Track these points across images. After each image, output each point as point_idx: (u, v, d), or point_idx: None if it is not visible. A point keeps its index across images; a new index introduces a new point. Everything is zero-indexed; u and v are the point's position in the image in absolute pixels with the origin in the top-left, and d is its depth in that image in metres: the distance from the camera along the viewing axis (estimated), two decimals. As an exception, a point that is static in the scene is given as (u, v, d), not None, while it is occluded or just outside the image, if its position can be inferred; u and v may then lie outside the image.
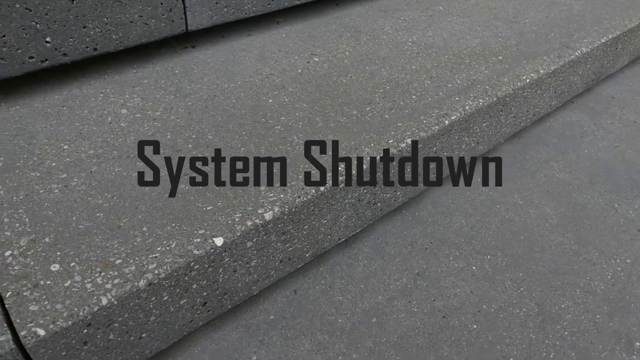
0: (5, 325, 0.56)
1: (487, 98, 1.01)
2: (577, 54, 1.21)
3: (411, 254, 0.98)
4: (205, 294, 0.72)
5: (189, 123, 0.88)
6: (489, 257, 0.99)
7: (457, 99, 1.00)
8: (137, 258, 0.64)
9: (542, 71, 1.12)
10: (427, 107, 0.97)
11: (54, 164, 0.78)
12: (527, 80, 1.09)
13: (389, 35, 1.23)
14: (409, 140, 0.88)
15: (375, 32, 1.24)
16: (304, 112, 0.93)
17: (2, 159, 0.78)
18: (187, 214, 0.71)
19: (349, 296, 0.90)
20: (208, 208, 0.72)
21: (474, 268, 0.97)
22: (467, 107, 0.98)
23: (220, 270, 0.71)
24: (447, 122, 0.94)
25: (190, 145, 0.83)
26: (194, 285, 0.69)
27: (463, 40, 1.22)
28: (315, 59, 1.10)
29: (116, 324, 0.63)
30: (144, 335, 0.68)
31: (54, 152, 0.81)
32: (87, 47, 0.94)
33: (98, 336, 0.62)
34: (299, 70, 1.06)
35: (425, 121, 0.93)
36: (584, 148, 1.28)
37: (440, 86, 1.04)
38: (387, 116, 0.94)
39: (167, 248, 0.66)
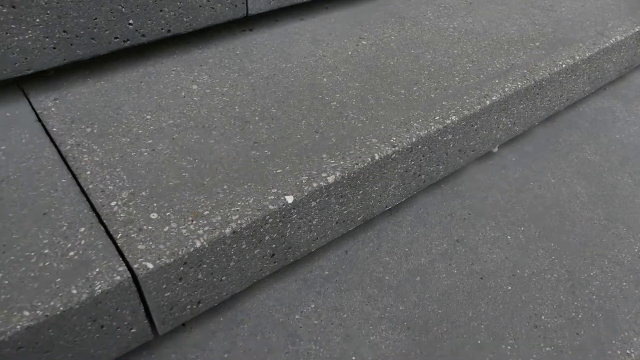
0: (121, 259, 0.67)
1: (525, 81, 1.09)
2: (611, 41, 1.27)
3: (450, 223, 1.07)
4: (274, 246, 0.82)
5: (253, 98, 0.99)
6: (522, 228, 1.08)
7: (496, 81, 1.08)
8: (221, 210, 0.75)
9: (577, 57, 1.19)
10: (469, 88, 1.05)
11: (140, 131, 0.89)
12: (563, 66, 1.16)
13: (431, 21, 1.31)
14: (454, 117, 0.97)
15: (418, 18, 1.32)
16: (356, 90, 1.02)
17: (96, 126, 0.90)
18: (261, 175, 0.81)
19: (394, 257, 1.00)
20: (278, 171, 0.83)
21: (508, 237, 1.05)
22: (506, 89, 1.06)
23: (288, 225, 0.82)
24: (488, 102, 1.03)
25: (257, 118, 0.93)
26: (267, 237, 0.80)
27: (502, 27, 1.30)
28: (363, 42, 1.19)
29: (204, 265, 0.74)
30: (223, 278, 0.79)
31: (139, 121, 0.92)
32: (162, 29, 1.04)
33: (190, 274, 0.73)
34: (349, 53, 1.15)
35: (468, 100, 1.02)
36: (615, 132, 1.35)
37: (481, 69, 1.12)
38: (432, 95, 1.02)
39: (246, 203, 0.76)
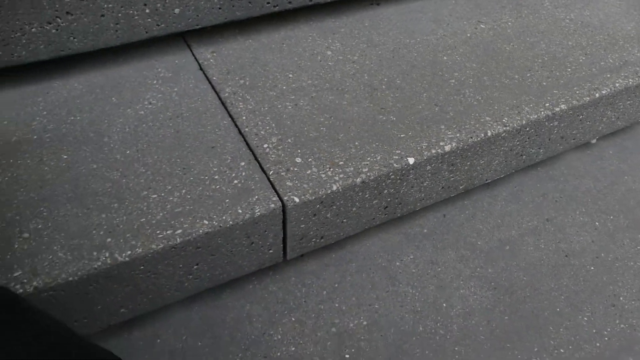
0: (274, 192, 0.83)
1: (636, 78, 1.15)
2: None
3: (543, 203, 1.17)
4: (389, 199, 0.96)
5: (380, 68, 1.11)
6: (612, 217, 1.15)
7: (608, 76, 1.14)
8: (354, 162, 0.89)
9: (694, 60, 1.22)
10: (580, 80, 1.12)
11: (284, 87, 1.04)
12: (678, 67, 1.20)
13: (549, 11, 1.37)
14: (562, 106, 1.05)
15: (536, 7, 1.38)
16: (473, 71, 1.12)
17: (247, 79, 1.06)
18: (387, 137, 0.94)
19: (487, 226, 1.11)
20: (401, 135, 0.95)
21: (597, 224, 1.13)
22: (617, 85, 1.12)
23: (404, 184, 0.95)
24: (597, 95, 1.09)
25: (384, 86, 1.06)
26: (385, 191, 0.93)
27: (618, 22, 1.33)
28: (481, 25, 1.28)
29: (334, 207, 0.89)
30: (345, 220, 0.94)
31: (283, 78, 1.06)
32: (305, -2, 1.18)
33: (322, 212, 0.88)
34: (468, 35, 1.24)
35: (578, 92, 1.09)
36: None
37: (594, 63, 1.18)
38: (544, 83, 1.10)
39: (375, 159, 0.90)
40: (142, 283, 0.78)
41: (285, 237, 0.88)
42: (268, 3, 1.12)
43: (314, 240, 0.93)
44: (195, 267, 0.82)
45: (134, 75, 1.04)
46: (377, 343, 0.90)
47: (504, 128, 0.99)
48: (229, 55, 1.10)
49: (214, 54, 1.10)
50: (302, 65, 1.09)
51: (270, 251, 0.89)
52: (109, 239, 0.74)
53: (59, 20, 0.93)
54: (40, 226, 0.76)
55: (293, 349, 0.89)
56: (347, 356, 0.89)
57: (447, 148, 0.93)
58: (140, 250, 0.73)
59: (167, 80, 1.03)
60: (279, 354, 0.88)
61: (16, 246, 0.73)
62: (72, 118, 0.94)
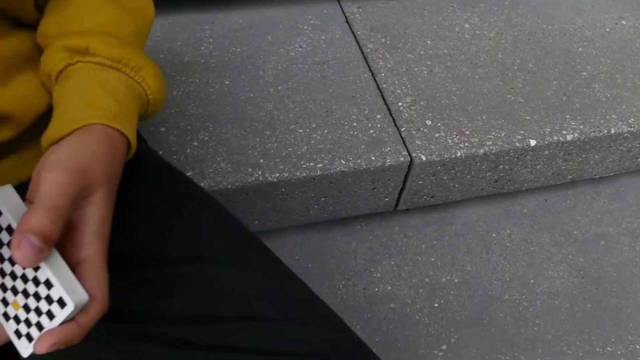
0: (404, 147, 0.92)
1: None
2: None
3: (646, 208, 1.19)
4: (501, 174, 1.03)
5: (514, 49, 1.15)
6: None
7: None
8: (479, 134, 0.96)
9: None
10: None
11: (422, 52, 1.11)
12: None
13: (697, 17, 1.33)
14: (693, 117, 1.06)
15: (684, 11, 1.35)
16: (606, 67, 1.14)
17: (389, 38, 1.13)
18: (513, 116, 1.00)
19: (586, 219, 1.15)
20: (527, 117, 1.01)
21: (698, 238, 1.15)
22: None
23: (520, 163, 1.01)
24: None
25: (515, 67, 1.10)
26: (501, 166, 1.00)
27: None
28: (622, 22, 1.27)
29: (452, 171, 0.97)
30: (457, 185, 1.02)
31: (421, 43, 1.13)
32: (453, -32, 1.22)
33: (441, 174, 0.97)
34: (607, 29, 1.24)
35: None
36: None
37: None
38: (678, 92, 1.11)
39: (499, 135, 0.96)
40: (279, 203, 0.90)
41: (403, 190, 0.98)
42: (419, -31, 1.18)
43: (425, 197, 1.02)
44: (323, 199, 0.93)
45: (288, 18, 1.14)
46: (464, 300, 1.00)
47: (629, 129, 1.02)
48: (373, 12, 1.18)
49: (360, 10, 1.18)
50: (440, 34, 1.15)
51: (386, 199, 0.99)
52: (261, 160, 0.87)
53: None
54: (206, 138, 0.89)
55: (389, 287, 1.00)
56: (436, 305, 0.99)
57: (569, 137, 0.98)
58: (287, 174, 0.85)
59: (316, 27, 1.12)
60: (376, 289, 1.00)
61: (188, 151, 0.87)
62: (233, 49, 1.06)
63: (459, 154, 0.92)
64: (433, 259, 1.05)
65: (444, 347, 0.94)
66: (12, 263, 0.35)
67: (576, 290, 1.04)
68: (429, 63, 1.08)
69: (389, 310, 0.97)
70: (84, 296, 0.35)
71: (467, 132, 0.96)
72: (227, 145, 0.88)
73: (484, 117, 0.99)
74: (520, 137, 0.97)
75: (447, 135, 0.95)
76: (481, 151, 0.93)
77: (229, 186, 0.83)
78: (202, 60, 1.02)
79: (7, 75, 0.51)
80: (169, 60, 1.01)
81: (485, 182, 1.03)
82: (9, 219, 0.35)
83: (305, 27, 1.13)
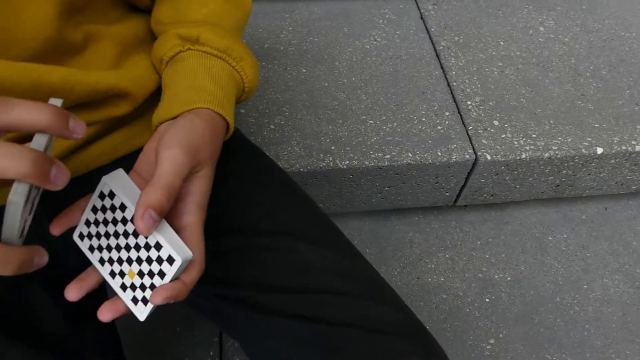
0: (470, 145, 0.95)
1: None
2: None
3: None
4: (563, 179, 1.04)
5: (588, 55, 1.15)
6: None
7: None
8: (545, 138, 0.98)
9: None
10: None
11: (494, 53, 1.13)
12: None
13: None
14: None
15: None
16: (684, 80, 1.12)
17: (462, 37, 1.15)
18: (581, 123, 1.01)
19: (647, 231, 1.15)
20: (595, 125, 1.01)
21: None
22: None
23: (584, 170, 1.02)
24: None
25: (588, 74, 1.10)
26: (564, 171, 1.01)
27: None
28: None
29: (515, 172, 0.99)
30: (517, 186, 1.04)
31: (494, 44, 1.15)
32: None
33: (503, 174, 0.99)
34: (688, 41, 1.22)
35: None
36: None
37: None
38: None
39: (565, 140, 0.98)
40: (344, 189, 0.96)
41: (464, 186, 1.01)
42: (498, -31, 1.19)
43: (485, 195, 1.05)
44: (386, 188, 0.98)
45: (364, 11, 1.18)
46: (515, 298, 1.02)
47: (702, 144, 1.01)
48: (448, 10, 1.20)
49: (435, 7, 1.20)
50: (513, 35, 1.16)
51: (447, 194, 1.03)
52: (332, 147, 0.92)
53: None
54: (282, 122, 0.95)
55: (442, 279, 1.04)
56: (487, 300, 1.02)
57: (638, 148, 0.98)
58: (356, 163, 0.90)
59: (392, 22, 1.16)
60: (429, 279, 1.04)
61: (265, 133, 0.93)
62: (311, 38, 1.11)
63: (523, 156, 0.95)
64: (487, 256, 1.08)
65: (492, 341, 0.97)
66: (126, 236, 0.41)
67: (630, 300, 1.04)
68: (500, 64, 1.10)
69: (440, 300, 1.01)
70: (188, 252, 0.40)
71: (534, 135, 0.98)
72: (301, 130, 0.94)
73: (551, 121, 1.00)
74: (587, 144, 0.98)
75: (513, 136, 0.97)
76: (546, 155, 0.95)
77: (301, 169, 0.89)
78: (281, 48, 1.08)
79: (123, 56, 0.58)
80: (250, 45, 1.08)
81: (546, 186, 1.05)
82: (122, 199, 0.40)
83: (381, 22, 1.16)
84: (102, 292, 0.64)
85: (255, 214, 0.59)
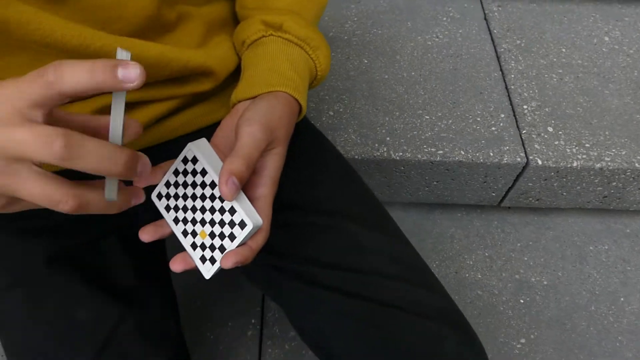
0: (522, 148, 0.97)
1: None
2: None
3: None
4: (612, 191, 1.04)
5: (652, 70, 1.14)
6: None
7: None
8: (599, 148, 0.98)
9: None
10: None
11: (554, 60, 1.13)
12: None
13: None
14: None
15: None
16: None
17: (523, 41, 1.16)
18: (637, 138, 1.01)
19: (692, 251, 1.14)
20: (652, 141, 1.01)
21: None
22: None
23: (634, 183, 1.02)
24: None
25: (649, 88, 1.10)
26: (614, 183, 1.02)
27: None
28: None
29: (564, 179, 1.00)
30: (564, 193, 1.05)
31: (555, 50, 1.15)
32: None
33: (552, 180, 1.00)
34: None
35: None
36: None
37: None
38: None
39: (619, 153, 0.98)
40: (394, 179, 0.99)
41: (511, 188, 1.03)
42: (568, -25, 1.19)
43: (530, 199, 1.06)
44: (435, 182, 1.01)
45: (428, 8, 1.20)
46: (550, 302, 1.04)
47: None
48: (512, 13, 1.21)
49: (500, 8, 1.21)
50: (576, 44, 1.16)
51: (493, 194, 1.05)
52: (388, 138, 0.95)
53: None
54: (341, 110, 0.99)
55: (479, 276, 1.07)
56: (521, 301, 1.04)
57: (693, 168, 0.98)
58: (409, 155, 0.94)
59: (455, 20, 1.18)
60: (466, 275, 1.07)
61: (324, 119, 0.97)
62: (375, 30, 1.14)
63: (574, 164, 0.96)
64: (526, 258, 1.10)
65: (523, 340, 1.00)
66: (203, 199, 0.45)
67: (667, 318, 1.05)
68: (560, 71, 1.11)
69: (475, 296, 1.04)
70: (259, 220, 0.44)
71: (587, 145, 0.99)
72: (359, 119, 0.98)
73: (607, 132, 1.01)
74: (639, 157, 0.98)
75: (566, 144, 0.98)
76: (598, 165, 0.96)
77: (356, 156, 0.93)
78: (345, 37, 1.12)
79: (208, 36, 0.62)
80: (315, 32, 1.12)
81: (594, 196, 1.06)
82: (204, 164, 0.44)
83: (445, 19, 1.18)
84: (164, 254, 0.70)
85: (315, 193, 0.63)
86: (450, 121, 0.99)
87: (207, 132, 0.62)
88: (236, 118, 0.49)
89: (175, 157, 0.47)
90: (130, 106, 0.56)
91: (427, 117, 0.99)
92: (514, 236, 1.12)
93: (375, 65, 1.06)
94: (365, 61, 1.07)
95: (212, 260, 0.44)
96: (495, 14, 1.20)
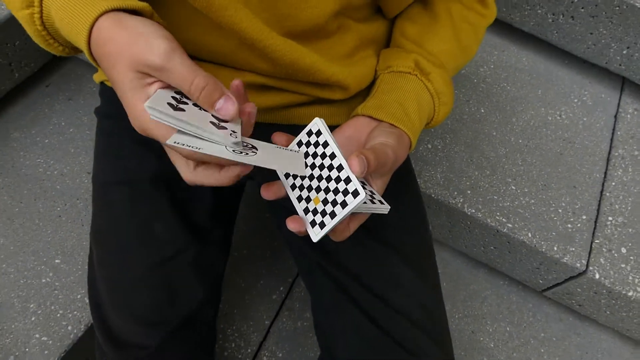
0: (587, 256, 0.98)
1: None
2: None
3: None
4: (655, 332, 1.04)
5: None
6: None
7: None
8: (660, 290, 0.98)
9: None
10: None
11: (663, 185, 1.11)
12: None
13: None
14: None
15: None
16: None
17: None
18: None
19: None
20: None
21: None
22: None
23: (680, 336, 1.01)
24: None
25: None
26: (660, 327, 1.02)
27: None
28: None
29: (613, 302, 1.01)
30: (608, 313, 1.06)
31: (669, 176, 1.13)
32: None
33: (601, 297, 1.01)
34: None
35: None
36: None
37: None
38: None
39: (678, 303, 0.98)
40: (456, 228, 1.04)
41: (559, 285, 1.05)
42: None
43: (573, 301, 1.08)
44: (492, 247, 1.05)
45: (566, 82, 1.19)
46: (545, 399, 1.07)
47: None
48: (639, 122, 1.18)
49: (635, 112, 1.19)
50: (693, 179, 1.13)
51: (540, 281, 1.08)
52: (469, 191, 1.00)
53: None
54: (439, 147, 1.04)
55: (492, 345, 1.11)
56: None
57: None
58: (480, 215, 0.98)
59: (585, 106, 1.17)
60: (481, 339, 1.11)
61: (420, 149, 1.02)
62: (504, 85, 1.16)
63: (630, 294, 0.97)
64: (542, 350, 1.13)
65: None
66: (321, 168, 0.49)
67: None
68: (663, 198, 1.09)
69: (480, 361, 1.09)
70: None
71: (653, 280, 0.99)
72: (451, 163, 1.02)
73: (677, 278, 1.00)
74: (697, 318, 0.97)
75: (631, 271, 0.99)
76: (652, 305, 0.97)
77: (433, 195, 0.98)
78: (475, 80, 1.14)
79: (357, 49, 0.68)
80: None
81: (635, 325, 1.06)
82: (326, 137, 0.49)
83: (576, 100, 1.18)
84: (237, 206, 0.80)
85: (383, 221, 0.69)
86: (533, 201, 1.01)
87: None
88: (357, 128, 0.56)
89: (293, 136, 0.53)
90: (266, 88, 0.65)
91: (514, 187, 1.02)
92: (541, 325, 1.15)
93: (489, 119, 1.09)
94: (482, 111, 1.10)
95: (322, 225, 0.47)
96: (628, 115, 1.18)
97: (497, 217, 0.98)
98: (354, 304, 0.65)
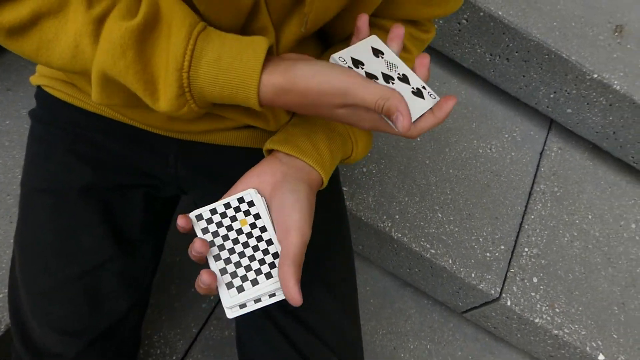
0: (502, 284, 1.05)
1: None
2: None
3: None
4: (558, 357, 1.13)
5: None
6: None
7: None
8: (565, 318, 1.06)
9: None
10: None
11: (577, 222, 1.20)
12: None
13: None
14: None
15: None
16: None
17: (562, 191, 1.23)
18: (603, 326, 1.09)
19: None
20: (614, 336, 1.09)
21: None
22: None
23: (580, 362, 1.10)
24: None
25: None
26: (563, 351, 1.10)
27: None
28: None
29: (523, 327, 1.09)
30: (519, 336, 1.14)
31: (583, 213, 1.22)
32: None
33: (513, 322, 1.09)
34: None
35: None
36: None
37: None
38: None
39: (579, 331, 1.06)
40: (384, 249, 1.09)
41: (476, 308, 1.12)
42: None
43: (489, 324, 1.15)
44: (416, 270, 1.11)
45: (499, 118, 1.27)
46: (456, 415, 1.14)
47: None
48: (566, 160, 1.27)
49: (559, 151, 1.28)
50: (604, 217, 1.23)
51: (459, 304, 1.15)
52: (397, 216, 1.05)
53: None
54: (374, 171, 1.09)
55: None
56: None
57: (634, 378, 1.06)
58: (406, 240, 1.04)
59: (514, 142, 1.25)
60: (402, 355, 1.17)
61: (355, 172, 1.07)
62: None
63: (537, 321, 1.05)
64: (458, 368, 1.19)
65: None
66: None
67: None
68: (575, 234, 1.18)
69: (399, 376, 1.15)
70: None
71: (557, 310, 1.07)
72: (383, 187, 1.07)
73: (580, 308, 1.09)
74: (594, 345, 1.06)
75: (540, 299, 1.07)
76: (555, 332, 1.05)
77: (363, 218, 1.03)
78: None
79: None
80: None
81: (542, 351, 1.14)
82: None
83: (506, 136, 1.26)
84: (169, 223, 0.82)
85: (309, 253, 0.73)
86: (457, 229, 1.08)
87: (254, 152, 0.71)
88: (265, 169, 0.58)
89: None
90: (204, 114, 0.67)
91: (440, 215, 1.08)
92: (459, 344, 1.22)
93: (423, 148, 1.15)
94: (419, 139, 1.16)
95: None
96: (552, 153, 1.27)
97: (422, 243, 1.03)
98: (277, 328, 0.68)
